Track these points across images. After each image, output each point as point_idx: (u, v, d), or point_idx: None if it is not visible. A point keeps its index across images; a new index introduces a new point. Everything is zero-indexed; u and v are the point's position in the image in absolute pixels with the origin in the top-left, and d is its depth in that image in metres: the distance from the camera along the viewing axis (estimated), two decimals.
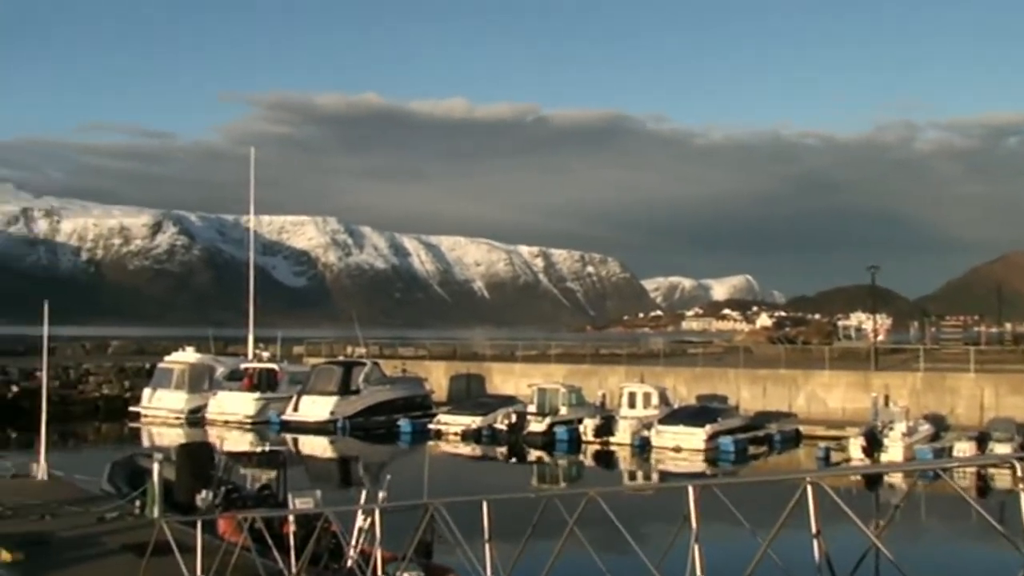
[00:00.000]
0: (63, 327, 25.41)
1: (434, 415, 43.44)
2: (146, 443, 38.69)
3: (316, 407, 42.84)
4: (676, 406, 40.85)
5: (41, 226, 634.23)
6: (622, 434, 38.56)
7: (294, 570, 11.93)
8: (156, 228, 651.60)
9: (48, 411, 23.65)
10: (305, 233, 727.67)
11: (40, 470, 22.49)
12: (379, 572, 10.53)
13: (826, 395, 44.13)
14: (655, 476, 34.27)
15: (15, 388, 46.43)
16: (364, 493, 14.97)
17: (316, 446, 39.69)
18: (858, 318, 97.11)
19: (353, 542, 13.39)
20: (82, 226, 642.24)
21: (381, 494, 14.34)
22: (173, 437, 38.25)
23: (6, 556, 14.38)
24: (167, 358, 48.58)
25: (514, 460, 37.46)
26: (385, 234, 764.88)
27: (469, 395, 49.91)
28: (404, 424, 42.45)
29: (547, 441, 39.54)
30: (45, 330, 24.22)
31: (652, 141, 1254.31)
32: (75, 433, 41.72)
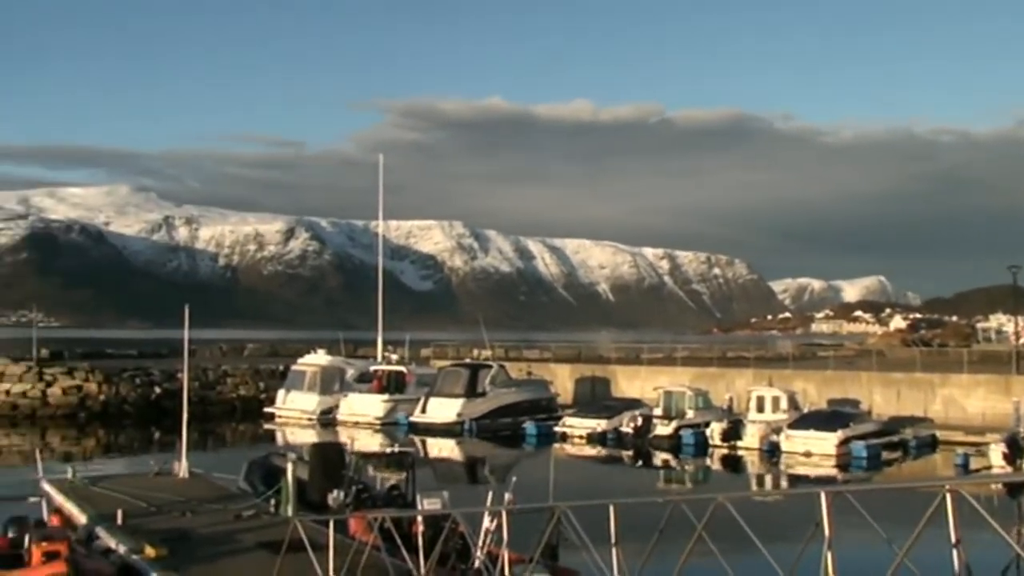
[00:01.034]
0: (202, 330, 26.45)
1: (559, 418, 43.44)
2: (280, 443, 39.76)
3: (443, 409, 43.33)
4: (806, 410, 39.91)
5: (182, 233, 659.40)
6: (750, 438, 37.88)
7: (423, 570, 12.10)
8: (289, 234, 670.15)
9: (188, 412, 24.52)
10: (432, 237, 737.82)
11: (181, 468, 23.32)
12: (506, 573, 10.59)
13: (964, 400, 42.51)
14: (784, 482, 33.57)
15: (158, 389, 48.35)
16: (491, 495, 15.07)
17: (443, 447, 40.15)
18: (999, 320, 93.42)
19: (480, 543, 13.52)
20: (219, 233, 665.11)
21: (507, 496, 14.43)
22: (306, 437, 39.22)
23: (150, 552, 14.98)
24: (300, 360, 49.83)
25: (640, 464, 37.21)
26: (510, 237, 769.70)
27: (594, 398, 49.74)
28: (529, 426, 42.57)
29: (673, 445, 39.14)
30: (186, 334, 25.10)
31: (779, 140, 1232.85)
32: (213, 433, 43.11)
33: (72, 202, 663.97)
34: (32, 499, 18.55)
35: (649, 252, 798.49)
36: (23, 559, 14.78)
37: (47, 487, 20.94)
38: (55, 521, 16.76)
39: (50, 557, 13.61)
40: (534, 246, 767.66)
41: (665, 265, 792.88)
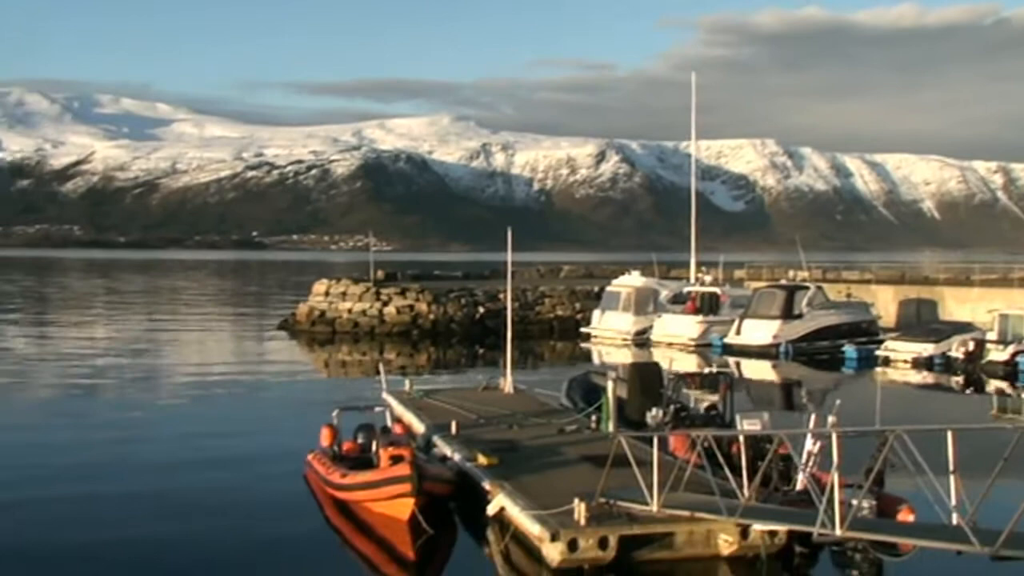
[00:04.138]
0: (519, 253, 27.52)
1: (881, 341, 41.69)
2: (597, 362, 40.79)
3: (759, 331, 42.73)
4: None
5: (498, 160, 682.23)
6: None
7: (746, 491, 12.16)
8: (600, 157, 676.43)
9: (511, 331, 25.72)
10: (743, 157, 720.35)
11: (506, 384, 24.60)
12: (835, 497, 10.44)
13: None
14: None
15: (482, 309, 50.79)
16: (813, 418, 14.82)
17: (758, 370, 39.66)
18: None
19: (804, 465, 13.39)
20: (533, 158, 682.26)
21: (831, 419, 14.15)
22: (621, 357, 40.01)
23: (483, 460, 15.99)
24: (615, 282, 50.60)
25: (971, 391, 35.10)
26: (826, 154, 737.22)
27: (919, 321, 47.28)
28: (849, 350, 41.16)
29: (1009, 371, 36.57)
30: (508, 256, 26.22)
31: None
32: (532, 351, 44.84)
33: (399, 132, 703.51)
34: (377, 409, 20.16)
35: (980, 166, 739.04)
36: (372, 462, 16.23)
37: (388, 398, 22.76)
38: (398, 429, 18.22)
39: (396, 460, 14.84)
40: (852, 162, 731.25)
41: (998, 179, 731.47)
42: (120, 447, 21.68)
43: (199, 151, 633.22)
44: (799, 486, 13.76)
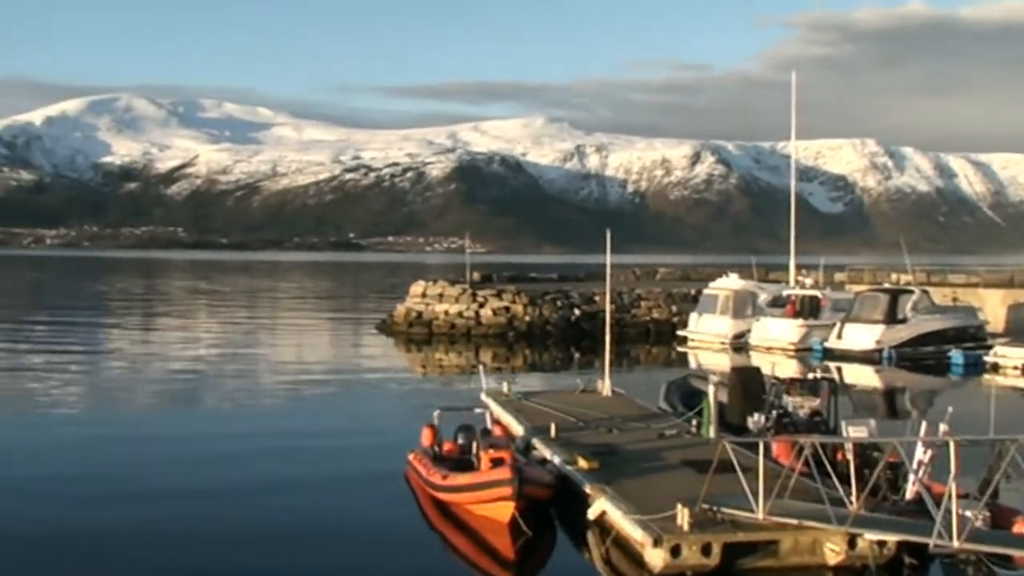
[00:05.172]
0: (613, 255, 27.39)
1: (989, 347, 40.42)
2: (694, 366, 40.38)
3: (861, 335, 41.81)
4: None
5: (592, 161, 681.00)
6: None
7: (854, 499, 11.92)
8: (695, 159, 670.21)
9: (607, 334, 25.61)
10: (842, 157, 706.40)
11: (605, 387, 24.50)
12: (953, 508, 10.16)
13: None
14: None
15: (577, 312, 50.72)
16: (924, 425, 14.44)
17: (860, 375, 38.81)
18: None
19: (915, 474, 13.07)
20: (627, 160, 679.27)
21: (942, 427, 13.78)
22: (719, 361, 39.55)
23: (583, 463, 15.95)
24: (712, 284, 50.02)
25: None
26: (928, 154, 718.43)
27: None
28: (955, 356, 40.01)
29: None
30: (607, 259, 26.13)
31: None
32: (628, 354, 44.60)
33: (493, 135, 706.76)
34: (476, 410, 20.28)
35: None
36: (472, 463, 16.34)
37: (487, 399, 22.87)
38: (497, 431, 18.27)
39: (496, 463, 14.92)
40: (955, 162, 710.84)
41: None
42: (219, 445, 22.18)
43: (298, 154, 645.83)
44: (909, 495, 13.43)
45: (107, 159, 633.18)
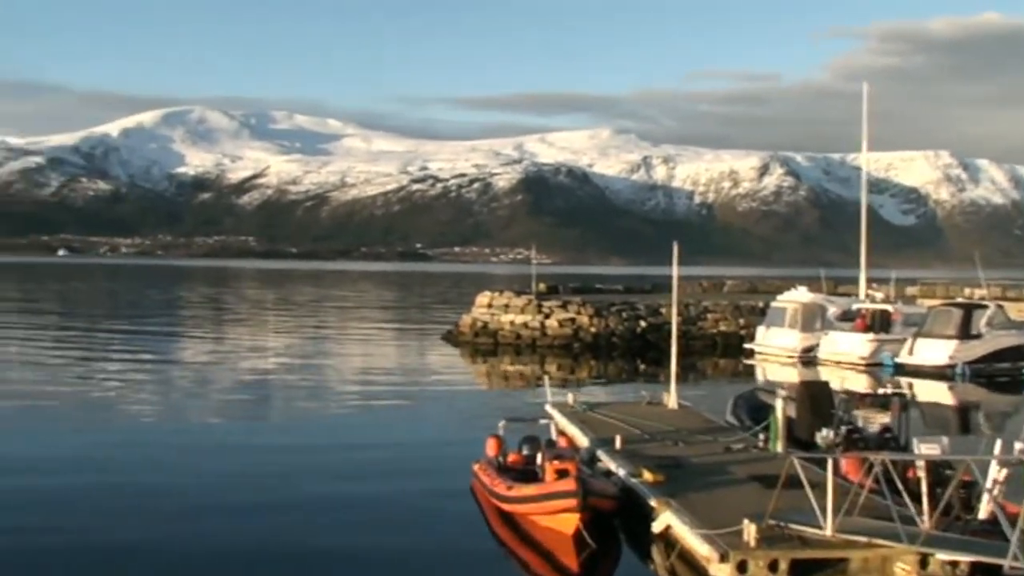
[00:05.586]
0: (681, 267, 27.20)
1: None
2: (761, 379, 39.93)
3: (933, 351, 41.02)
4: None
5: (659, 172, 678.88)
6: None
7: (926, 518, 11.69)
8: (763, 170, 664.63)
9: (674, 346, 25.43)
10: (914, 169, 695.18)
11: (671, 399, 24.33)
12: None
13: None
14: None
15: (643, 323, 50.48)
16: (998, 443, 14.11)
17: (932, 391, 38.05)
18: None
19: (990, 493, 12.77)
20: (695, 171, 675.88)
21: (1018, 446, 13.46)
22: (787, 375, 39.07)
23: (649, 476, 15.85)
24: (780, 297, 49.45)
25: None
26: (1004, 166, 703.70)
27: None
28: None
29: None
30: (675, 271, 25.97)
31: None
32: (694, 367, 44.22)
33: (559, 146, 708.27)
34: (542, 421, 20.26)
35: None
36: (537, 474, 16.32)
37: (552, 410, 22.84)
38: (562, 442, 18.23)
39: (562, 475, 14.88)
40: None
41: None
42: (289, 456, 22.31)
43: (367, 165, 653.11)
44: (983, 515, 13.13)
45: (181, 169, 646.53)
